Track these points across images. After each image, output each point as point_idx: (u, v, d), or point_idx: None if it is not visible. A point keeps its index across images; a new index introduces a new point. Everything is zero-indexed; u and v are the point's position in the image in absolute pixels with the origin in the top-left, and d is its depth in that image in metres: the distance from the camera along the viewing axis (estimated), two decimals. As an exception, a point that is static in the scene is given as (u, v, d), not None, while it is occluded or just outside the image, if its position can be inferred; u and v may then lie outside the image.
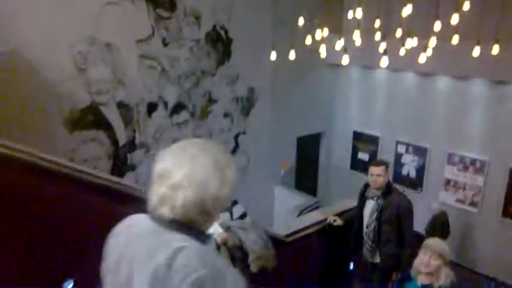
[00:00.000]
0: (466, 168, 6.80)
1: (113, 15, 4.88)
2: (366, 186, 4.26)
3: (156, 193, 1.21)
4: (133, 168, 5.43)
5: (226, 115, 6.55)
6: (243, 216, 3.46)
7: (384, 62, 4.15)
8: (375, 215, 4.12)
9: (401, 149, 7.57)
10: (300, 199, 6.97)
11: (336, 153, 8.65)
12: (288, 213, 6.64)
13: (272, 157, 7.31)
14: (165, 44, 5.52)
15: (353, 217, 4.46)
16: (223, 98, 6.44)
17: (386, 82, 7.70)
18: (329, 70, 7.94)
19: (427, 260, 3.08)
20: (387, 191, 4.10)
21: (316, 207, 5.65)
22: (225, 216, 3.38)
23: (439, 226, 6.19)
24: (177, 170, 1.19)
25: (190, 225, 1.21)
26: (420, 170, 7.37)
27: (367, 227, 4.20)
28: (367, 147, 8.08)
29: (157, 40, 5.43)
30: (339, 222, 4.53)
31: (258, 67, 6.62)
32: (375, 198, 4.13)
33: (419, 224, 6.25)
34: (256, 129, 6.96)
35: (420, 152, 7.33)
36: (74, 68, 4.67)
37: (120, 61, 5.06)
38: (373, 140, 7.96)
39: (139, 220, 1.28)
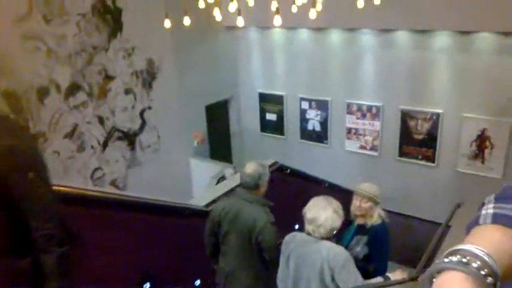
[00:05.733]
0: (364, 115, 7.29)
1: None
2: None
3: (309, 227, 2.74)
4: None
5: (127, 91, 6.24)
6: None
7: (277, 20, 4.18)
8: None
9: (305, 105, 7.86)
10: (216, 168, 6.99)
11: (245, 118, 8.75)
12: (206, 183, 6.64)
13: (182, 130, 7.18)
14: (47, 21, 5.02)
15: None
16: (122, 74, 6.10)
17: (283, 40, 7.85)
18: (228, 33, 7.88)
19: (359, 204, 3.44)
20: None
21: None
22: None
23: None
24: (318, 218, 2.70)
25: (327, 238, 2.73)
26: (324, 123, 7.74)
27: None
28: (274, 108, 8.28)
29: (37, 17, 4.91)
30: None
31: (154, 37, 6.33)
32: None
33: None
34: (162, 102, 6.74)
35: (322, 105, 7.67)
36: None
37: (-4, 45, 4.53)
38: (278, 100, 8.16)
39: (299, 235, 2.83)
